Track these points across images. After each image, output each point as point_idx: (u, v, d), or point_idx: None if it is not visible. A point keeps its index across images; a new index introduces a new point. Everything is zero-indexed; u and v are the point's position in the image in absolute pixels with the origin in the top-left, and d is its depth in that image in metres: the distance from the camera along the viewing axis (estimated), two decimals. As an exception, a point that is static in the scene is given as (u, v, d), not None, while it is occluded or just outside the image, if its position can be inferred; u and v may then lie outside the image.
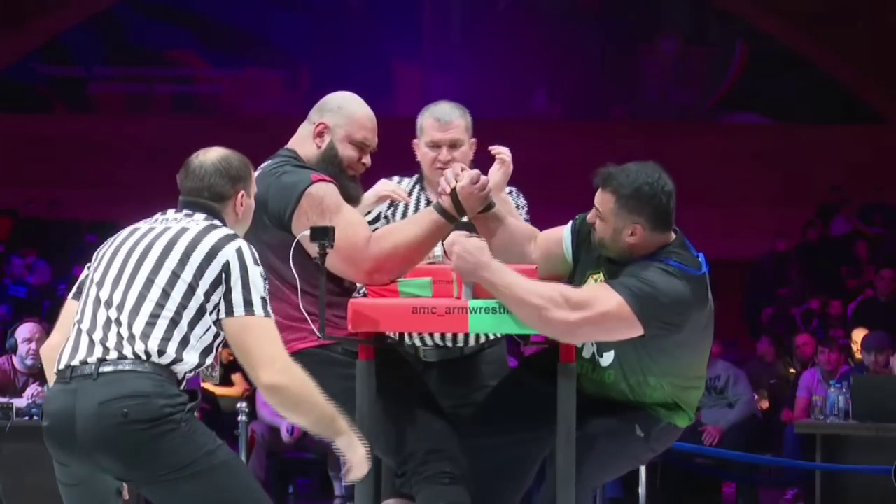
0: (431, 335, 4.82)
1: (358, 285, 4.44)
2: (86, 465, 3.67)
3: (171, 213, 3.90)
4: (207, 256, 3.73)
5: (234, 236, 3.80)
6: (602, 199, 4.25)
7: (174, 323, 3.69)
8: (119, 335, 3.68)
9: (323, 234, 4.08)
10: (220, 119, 18.00)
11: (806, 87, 18.20)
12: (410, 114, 5.09)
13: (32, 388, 8.27)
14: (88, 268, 3.91)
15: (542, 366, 4.40)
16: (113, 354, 3.66)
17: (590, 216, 4.31)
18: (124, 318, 3.70)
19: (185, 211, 3.88)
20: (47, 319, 10.66)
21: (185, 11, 18.77)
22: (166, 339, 3.68)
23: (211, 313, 3.73)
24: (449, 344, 4.84)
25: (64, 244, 15.13)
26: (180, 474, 3.62)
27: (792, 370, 11.23)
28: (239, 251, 3.75)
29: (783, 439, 9.98)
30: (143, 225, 3.88)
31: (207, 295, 3.72)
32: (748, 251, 15.54)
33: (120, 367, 3.64)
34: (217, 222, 3.84)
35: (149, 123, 17.85)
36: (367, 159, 4.50)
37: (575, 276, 4.41)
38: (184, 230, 3.79)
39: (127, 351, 3.66)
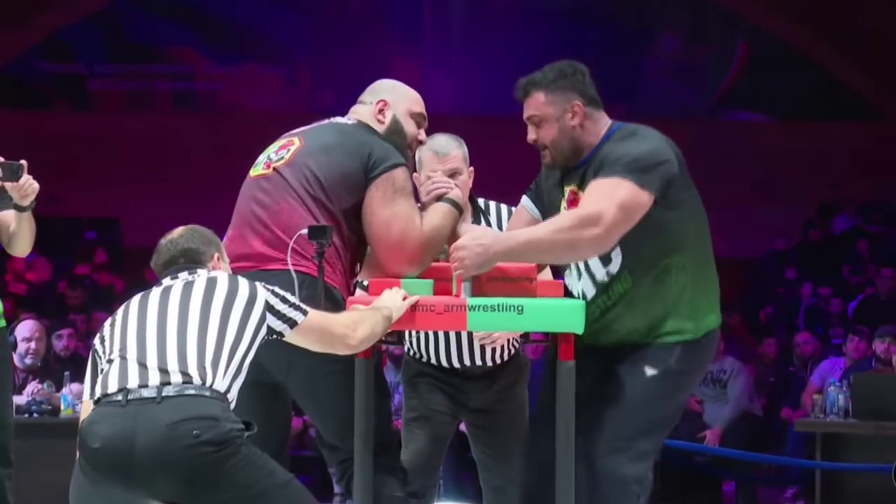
0: (449, 358, 4.88)
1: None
2: (136, 491, 3.61)
3: (166, 280, 3.93)
4: (249, 299, 3.81)
5: (253, 282, 3.90)
6: (531, 103, 4.40)
7: (230, 356, 3.74)
8: (180, 361, 3.68)
9: (321, 234, 4.09)
10: (220, 116, 17.99)
11: (807, 85, 18.17)
12: (410, 113, 5.09)
13: (32, 386, 8.25)
14: (101, 342, 3.88)
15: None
16: (176, 378, 3.65)
17: (529, 134, 4.40)
18: (185, 347, 3.71)
19: (180, 275, 3.91)
20: (47, 317, 10.65)
21: (185, 8, 18.75)
22: (223, 369, 3.71)
23: (256, 348, 3.82)
24: (467, 364, 4.92)
25: (64, 241, 15.10)
26: (245, 496, 3.63)
27: (792, 369, 11.22)
28: (264, 286, 3.88)
29: (783, 438, 9.98)
30: (154, 288, 3.90)
31: (255, 334, 3.81)
32: (748, 250, 15.52)
33: (185, 392, 3.63)
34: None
35: (149, 120, 17.83)
36: (423, 135, 4.60)
37: (548, 216, 4.40)
38: (213, 279, 3.85)
39: (192, 374, 3.66)
